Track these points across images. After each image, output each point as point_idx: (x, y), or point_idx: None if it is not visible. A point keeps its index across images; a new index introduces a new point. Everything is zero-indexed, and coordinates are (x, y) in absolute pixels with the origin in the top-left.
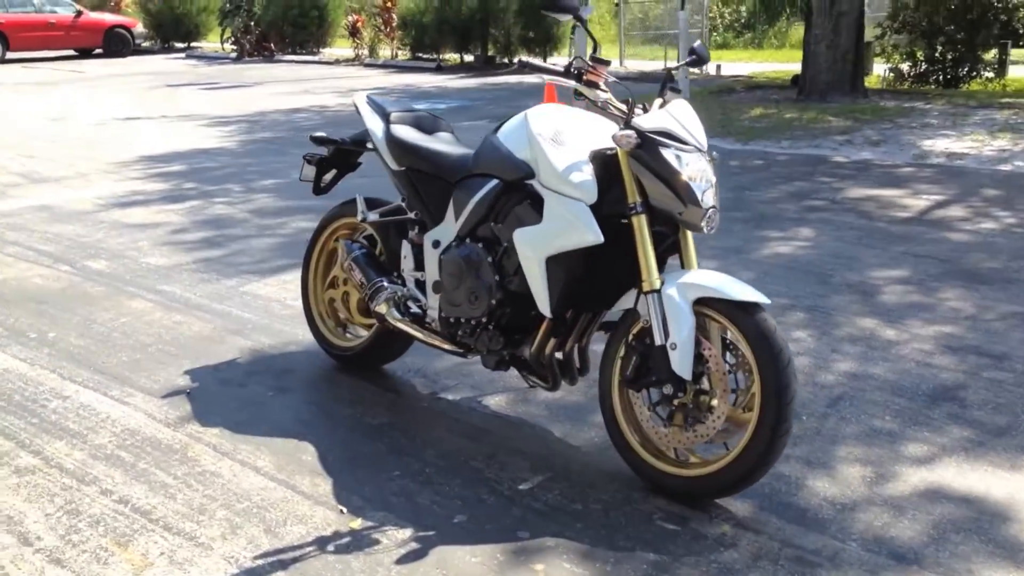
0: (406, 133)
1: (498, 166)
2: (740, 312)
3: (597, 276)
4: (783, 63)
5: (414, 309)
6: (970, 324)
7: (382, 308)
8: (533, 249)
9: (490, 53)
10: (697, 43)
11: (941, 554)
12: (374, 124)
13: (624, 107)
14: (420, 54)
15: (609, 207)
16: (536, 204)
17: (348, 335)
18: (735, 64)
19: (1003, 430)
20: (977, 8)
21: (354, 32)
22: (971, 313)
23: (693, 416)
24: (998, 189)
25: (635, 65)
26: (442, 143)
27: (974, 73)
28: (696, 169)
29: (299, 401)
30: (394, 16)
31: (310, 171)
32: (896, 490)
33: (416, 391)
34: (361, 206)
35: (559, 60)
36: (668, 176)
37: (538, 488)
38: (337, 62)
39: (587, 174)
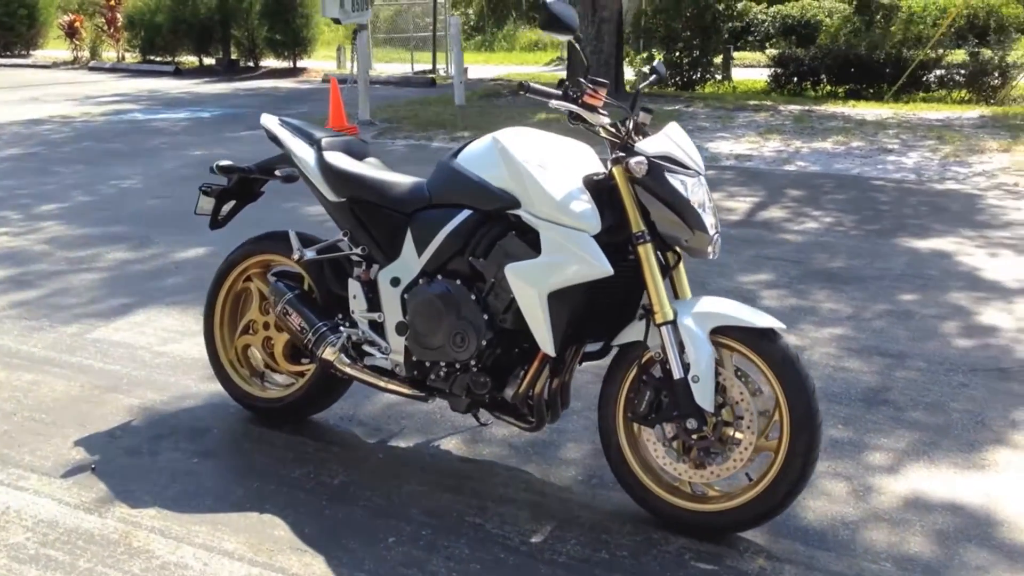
0: (343, 161)
1: (470, 195)
2: (760, 339)
3: (598, 309)
4: (518, 65)
5: (374, 354)
6: (855, 324)
7: (329, 354)
8: (533, 285)
9: (233, 56)
10: (656, 62)
11: (966, 567)
12: (302, 151)
13: (621, 131)
14: (152, 57)
15: (607, 236)
16: (524, 236)
17: (267, 385)
18: (474, 67)
19: (944, 429)
20: (709, 14)
21: (72, 33)
22: (850, 313)
23: (715, 449)
24: (797, 189)
25: (383, 68)
26: (383, 171)
27: (707, 76)
28: (700, 194)
29: (233, 465)
30: (119, 16)
31: (208, 203)
32: (888, 503)
33: (361, 440)
34: (296, 243)
35: (317, 64)
36: (676, 203)
37: (552, 539)
38: (55, 65)
39: (586, 202)
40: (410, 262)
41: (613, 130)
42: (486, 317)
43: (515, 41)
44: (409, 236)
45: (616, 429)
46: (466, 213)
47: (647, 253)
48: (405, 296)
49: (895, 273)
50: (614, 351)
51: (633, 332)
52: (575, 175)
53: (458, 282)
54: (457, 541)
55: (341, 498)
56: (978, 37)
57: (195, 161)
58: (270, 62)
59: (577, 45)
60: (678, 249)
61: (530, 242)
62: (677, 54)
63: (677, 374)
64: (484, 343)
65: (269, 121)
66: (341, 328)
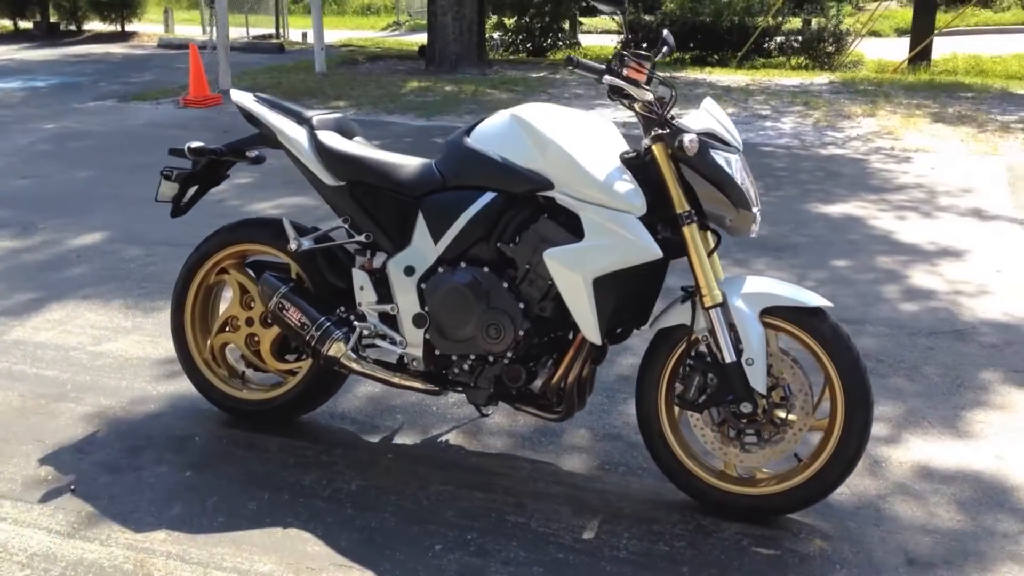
0: (338, 141)
1: (492, 177)
2: (811, 318)
3: (641, 293)
4: (354, 30)
5: (381, 347)
6: None
7: (335, 350)
8: (578, 271)
9: (53, 19)
10: (666, 32)
11: (995, 534)
12: (292, 131)
13: (658, 107)
14: None
15: (647, 216)
16: (560, 218)
17: (252, 385)
18: (311, 32)
19: (929, 395)
20: None
21: None
22: (796, 281)
23: (766, 432)
24: None
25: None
26: (383, 151)
27: (558, 43)
28: (742, 171)
29: (232, 476)
30: None
31: (170, 189)
32: (904, 475)
33: (361, 439)
34: (291, 232)
35: (148, 27)
36: (721, 181)
37: (605, 535)
38: None
39: (629, 181)
40: (424, 249)
41: (648, 107)
42: (522, 306)
43: (346, 5)
44: (421, 221)
45: (659, 416)
46: (489, 196)
47: (692, 234)
48: (423, 286)
49: (823, 239)
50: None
51: (676, 315)
52: (611, 153)
53: (486, 270)
54: (508, 543)
55: (367, 504)
56: (813, 3)
57: (51, 136)
58: (95, 25)
59: (621, 17)
60: (716, 229)
61: (566, 225)
62: (528, 19)
63: (729, 358)
64: (521, 333)
65: (243, 98)
66: (349, 322)
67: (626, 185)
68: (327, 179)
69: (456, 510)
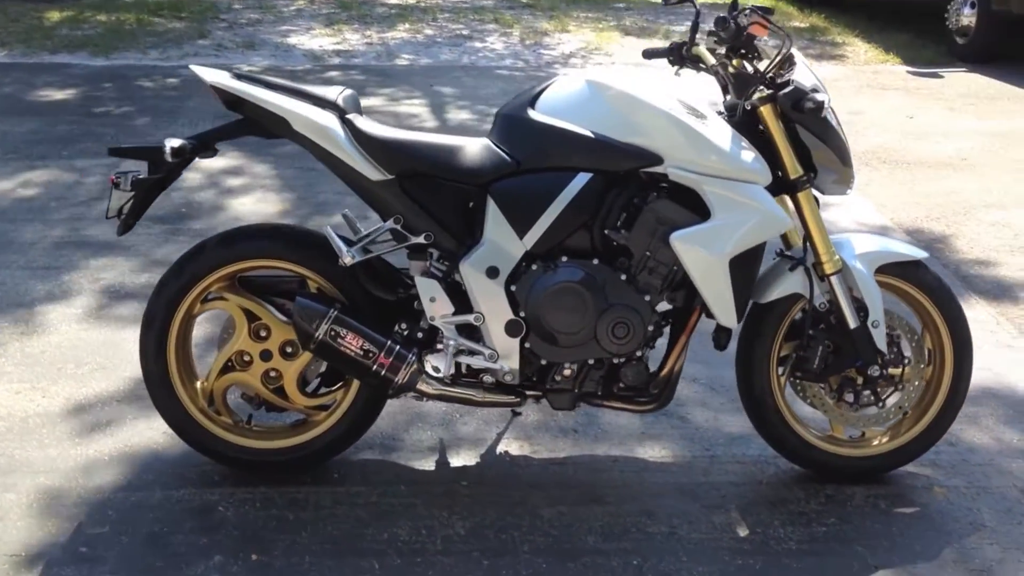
0: (378, 127)
1: (585, 155)
2: (916, 271)
3: None
4: None
5: (473, 364)
6: None
7: (411, 377)
8: (714, 252)
9: None
10: None
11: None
12: (317, 118)
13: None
14: None
15: None
16: (676, 196)
17: (256, 428)
18: None
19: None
20: None
21: None
22: None
23: (884, 390)
24: (451, 87)
25: None
26: (428, 134)
27: None
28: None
29: (312, 551)
30: None
31: (120, 199)
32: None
33: (417, 471)
34: (338, 243)
35: None
36: (832, 138)
37: (757, 527)
38: None
39: (749, 148)
40: (506, 245)
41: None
42: (647, 298)
43: None
44: (494, 212)
45: (772, 390)
46: (584, 177)
47: (808, 199)
48: (513, 288)
49: None
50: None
51: (787, 285)
52: (713, 117)
53: (596, 262)
54: (676, 559)
55: (494, 549)
56: None
57: None
58: None
59: (695, 9)
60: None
61: (684, 203)
62: None
63: (854, 323)
64: (651, 329)
65: (217, 76)
66: (417, 340)
67: (748, 152)
68: (372, 174)
69: (593, 533)
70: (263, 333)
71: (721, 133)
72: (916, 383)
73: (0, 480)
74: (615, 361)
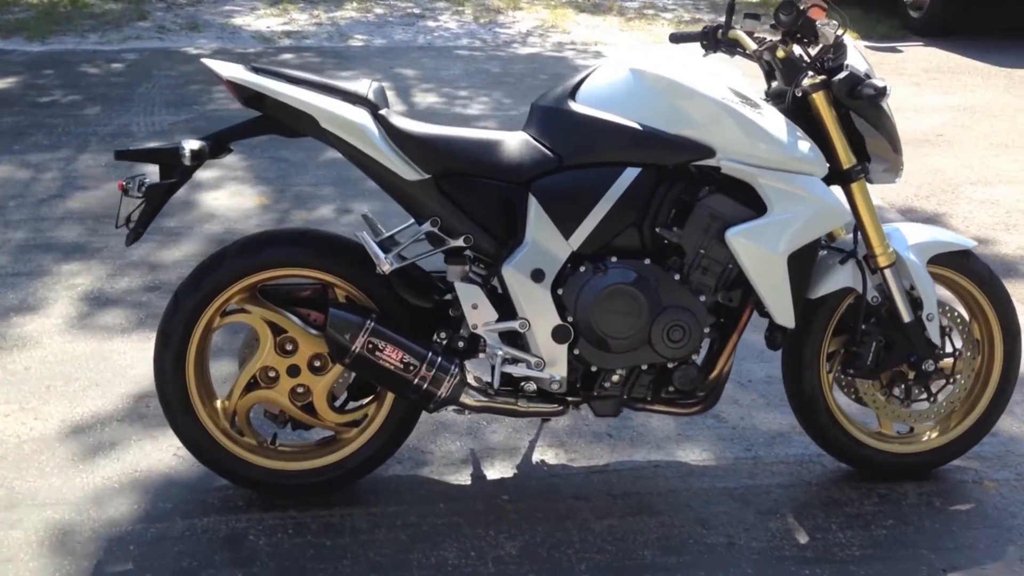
0: (414, 124)
1: (635, 150)
2: (966, 260)
3: None
4: None
5: (517, 373)
6: None
7: (455, 389)
8: (774, 249)
9: None
10: None
11: None
12: (350, 114)
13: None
14: None
15: None
16: (729, 190)
17: (281, 448)
18: None
19: None
20: None
21: None
22: None
23: (936, 384)
24: (412, 69)
25: None
26: (463, 129)
27: None
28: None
29: None
30: None
31: (129, 206)
32: None
33: (450, 485)
34: (376, 249)
35: None
36: (885, 126)
37: (816, 532)
38: None
39: (805, 138)
40: (550, 246)
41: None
42: (702, 299)
43: None
44: (536, 212)
45: (823, 390)
46: (632, 172)
47: (863, 189)
48: (559, 292)
49: None
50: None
51: (838, 279)
52: (768, 107)
53: (647, 262)
54: (741, 571)
55: (548, 566)
56: None
57: None
58: None
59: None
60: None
61: (737, 198)
62: None
63: (908, 316)
64: (707, 330)
65: (233, 70)
66: (458, 351)
67: (804, 142)
68: (408, 174)
69: (649, 547)
70: (288, 347)
71: (776, 122)
72: (967, 375)
73: (3, 515)
74: (669, 365)
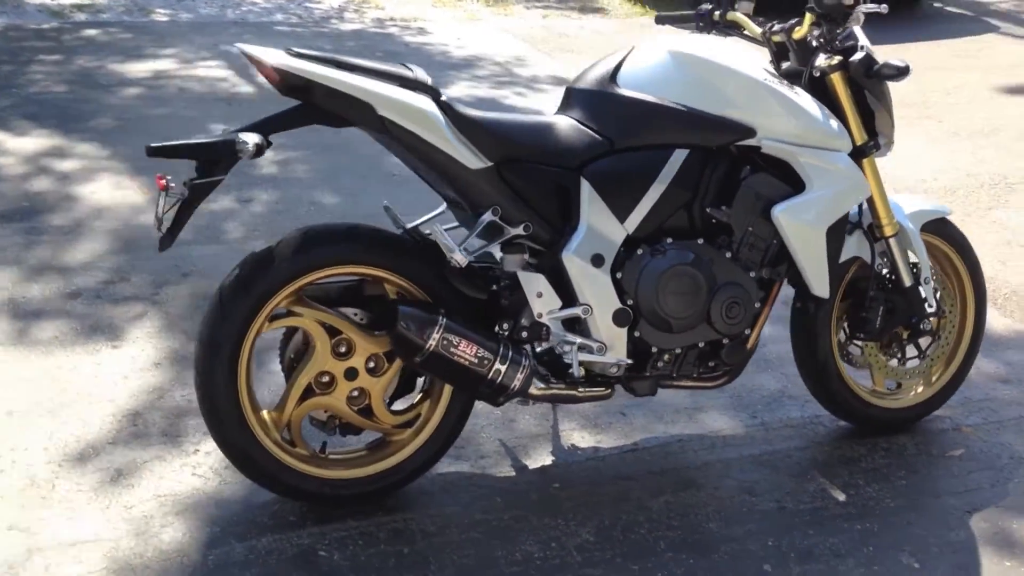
0: (475, 111)
1: (683, 131)
2: (945, 226)
3: None
4: None
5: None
6: None
7: (524, 381)
8: (816, 224)
9: None
10: None
11: None
12: (416, 101)
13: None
14: None
15: None
16: (770, 169)
17: (332, 456)
18: None
19: None
20: None
21: None
22: None
23: (925, 341)
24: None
25: None
26: (517, 115)
27: None
28: None
29: None
30: None
31: (165, 206)
32: None
33: (495, 477)
34: (448, 241)
35: None
36: (887, 101)
37: (848, 487)
38: None
39: (833, 116)
40: (606, 231)
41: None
42: (752, 275)
43: None
44: (590, 196)
45: (834, 355)
46: (682, 154)
47: (873, 164)
48: (618, 275)
49: None
50: None
51: (845, 249)
52: (796, 87)
53: (700, 242)
54: (804, 533)
55: (630, 551)
56: None
57: None
58: None
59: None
60: None
61: (777, 175)
62: None
63: (909, 281)
64: (758, 305)
65: (280, 57)
66: (520, 340)
67: (832, 119)
68: (472, 162)
69: (712, 519)
70: (342, 349)
71: (807, 101)
72: (949, 332)
73: (56, 556)
74: (723, 341)
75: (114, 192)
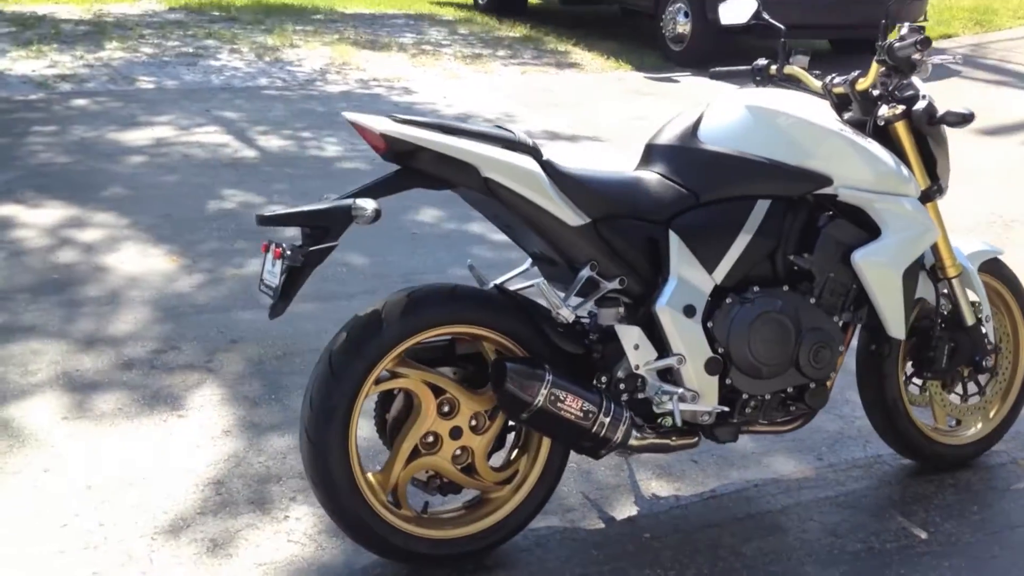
0: (571, 167)
1: (765, 183)
2: (1000, 267)
3: None
4: None
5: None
6: None
7: (623, 433)
8: (895, 268)
9: None
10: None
11: None
12: (520, 161)
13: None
14: None
15: None
16: (846, 216)
17: (435, 516)
18: None
19: None
20: None
21: None
22: None
23: (985, 379)
24: (231, 111)
25: None
26: (606, 171)
27: None
28: None
29: None
30: None
31: (275, 273)
32: None
33: (586, 530)
34: (555, 298)
35: None
36: (945, 148)
37: (928, 524)
38: None
39: (901, 163)
40: (695, 281)
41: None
42: (836, 319)
43: None
44: (678, 248)
45: (901, 395)
46: (764, 204)
47: (936, 207)
48: (709, 325)
49: None
50: None
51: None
52: (860, 135)
53: (785, 289)
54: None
55: None
56: None
57: None
58: None
59: None
60: None
61: (854, 221)
62: None
63: (971, 320)
64: (842, 349)
65: (386, 124)
66: (618, 393)
67: (901, 166)
68: (572, 219)
69: (807, 563)
70: (446, 408)
71: (878, 149)
72: (1005, 368)
73: None
74: (810, 385)
75: (142, 261)
